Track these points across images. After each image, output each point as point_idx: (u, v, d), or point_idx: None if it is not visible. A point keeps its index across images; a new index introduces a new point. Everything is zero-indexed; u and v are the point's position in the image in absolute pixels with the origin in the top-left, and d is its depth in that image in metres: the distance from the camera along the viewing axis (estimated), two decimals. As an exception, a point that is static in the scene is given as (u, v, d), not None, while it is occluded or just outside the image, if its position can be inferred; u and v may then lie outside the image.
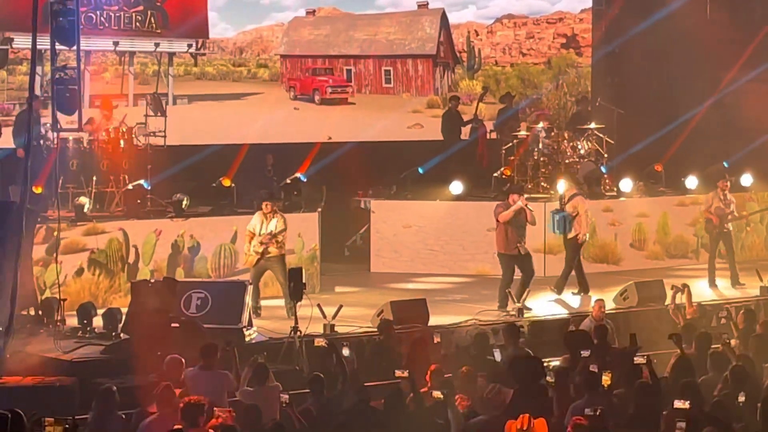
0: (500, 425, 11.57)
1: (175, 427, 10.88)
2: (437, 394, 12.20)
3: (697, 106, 25.27)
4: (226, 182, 20.73)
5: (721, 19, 26.16)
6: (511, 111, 24.76)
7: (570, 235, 19.77)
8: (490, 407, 12.23)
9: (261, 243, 18.09)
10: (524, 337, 16.85)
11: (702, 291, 19.46)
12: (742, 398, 12.07)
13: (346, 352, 14.64)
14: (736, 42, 25.62)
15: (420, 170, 23.32)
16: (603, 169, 23.54)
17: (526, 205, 19.18)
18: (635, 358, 13.65)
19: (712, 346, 14.94)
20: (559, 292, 19.88)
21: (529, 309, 18.85)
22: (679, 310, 17.52)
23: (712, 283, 21.29)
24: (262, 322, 17.51)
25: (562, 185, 20.72)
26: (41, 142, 18.73)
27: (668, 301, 18.17)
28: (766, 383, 12.96)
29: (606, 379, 12.68)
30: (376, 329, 16.67)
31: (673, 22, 25.65)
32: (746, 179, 23.80)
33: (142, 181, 19.85)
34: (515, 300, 18.63)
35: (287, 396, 12.44)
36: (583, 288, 20.08)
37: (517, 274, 19.13)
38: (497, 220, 19.08)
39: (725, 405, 12.12)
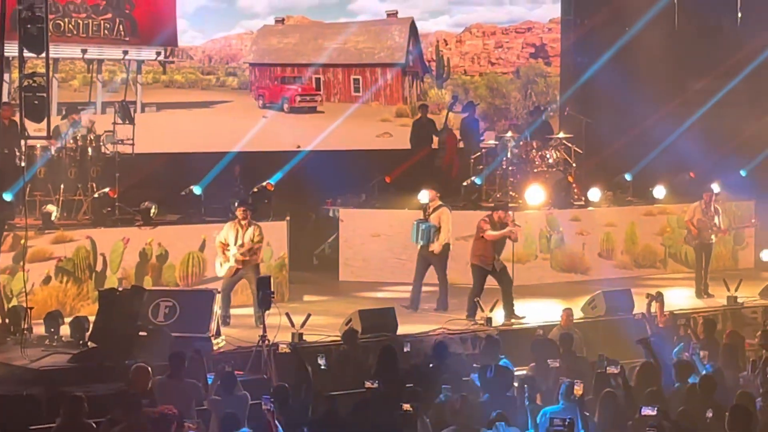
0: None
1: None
2: (407, 406, 12.21)
3: (664, 115, 25.36)
4: (197, 190, 20.74)
5: (690, 30, 26.30)
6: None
7: (432, 247, 19.41)
8: (460, 418, 12.26)
9: (241, 255, 18.06)
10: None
11: (672, 299, 19.50)
12: (710, 414, 12.11)
13: (321, 361, 14.67)
14: (703, 53, 25.73)
15: (387, 179, 23.42)
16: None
17: (513, 221, 19.23)
18: (608, 368, 13.71)
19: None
20: (445, 309, 19.60)
21: (521, 317, 18.88)
22: (650, 319, 17.58)
23: (700, 294, 21.38)
24: (230, 330, 17.48)
25: (425, 195, 20.71)
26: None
27: (639, 309, 18.23)
28: (738, 393, 13.00)
29: (578, 390, 12.73)
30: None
31: (642, 33, 25.75)
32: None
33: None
34: (484, 309, 18.65)
35: (269, 406, 12.43)
36: (414, 303, 19.69)
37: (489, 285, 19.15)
38: (480, 235, 19.11)
39: (692, 414, 12.18)
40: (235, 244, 18.09)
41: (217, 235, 18.41)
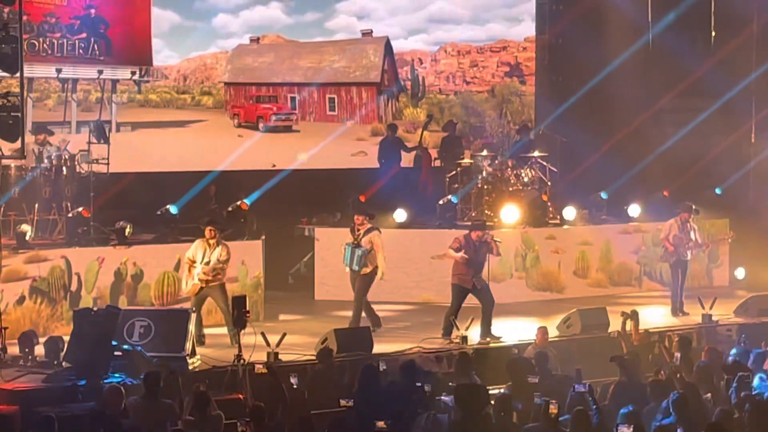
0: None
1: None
2: (381, 424, 12.20)
3: (639, 133, 25.45)
4: (173, 209, 20.72)
5: (663, 48, 26.40)
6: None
7: (365, 271, 19.19)
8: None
9: (204, 273, 18.02)
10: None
11: (648, 317, 19.53)
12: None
13: (293, 380, 14.63)
14: (676, 71, 25.82)
15: (361, 198, 23.43)
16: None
17: (493, 238, 19.22)
18: (576, 387, 13.74)
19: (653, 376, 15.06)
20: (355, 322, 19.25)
21: (498, 337, 18.85)
22: (625, 337, 17.61)
23: (675, 312, 21.42)
24: (205, 350, 17.45)
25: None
26: None
27: (614, 327, 18.25)
28: (716, 411, 13.01)
29: (553, 408, 12.73)
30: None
31: (615, 51, 25.85)
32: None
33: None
34: (460, 329, 18.64)
35: (244, 426, 12.42)
36: (375, 322, 19.44)
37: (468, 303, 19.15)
38: (444, 252, 19.17)
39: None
40: (202, 261, 18.06)
41: (187, 252, 18.40)
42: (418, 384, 14.43)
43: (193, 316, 17.36)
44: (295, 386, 14.62)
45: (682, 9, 25.96)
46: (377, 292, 21.48)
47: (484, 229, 19.35)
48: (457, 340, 18.45)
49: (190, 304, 18.06)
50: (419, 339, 18.63)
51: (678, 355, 16.59)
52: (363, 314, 19.29)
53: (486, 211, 22.87)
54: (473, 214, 22.61)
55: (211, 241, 18.10)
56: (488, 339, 18.72)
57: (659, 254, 22.44)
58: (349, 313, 19.50)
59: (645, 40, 26.32)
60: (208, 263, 18.01)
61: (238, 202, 21.76)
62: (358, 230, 19.19)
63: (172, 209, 20.68)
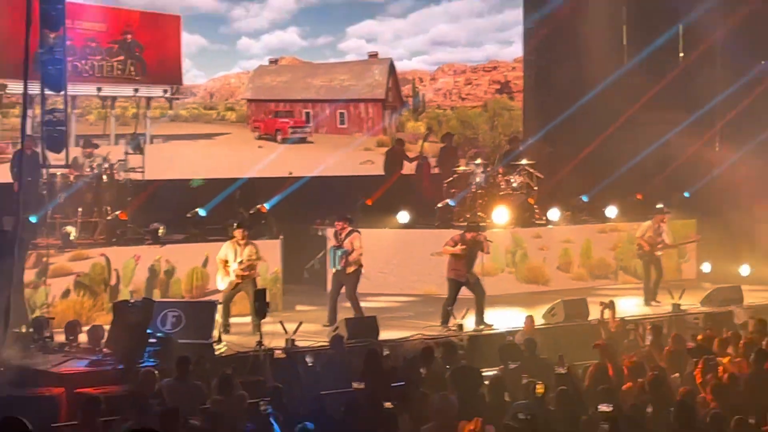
0: (451, 430, 11.59)
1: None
2: (389, 404, 12.21)
3: (616, 143, 25.42)
4: (202, 212, 20.78)
5: (636, 67, 26.40)
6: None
7: (350, 270, 18.98)
8: (440, 414, 12.25)
9: (241, 270, 18.05)
10: (463, 350, 16.90)
11: (623, 307, 19.52)
12: (649, 409, 12.14)
13: (309, 359, 14.64)
14: (647, 86, 25.80)
15: (368, 202, 23.48)
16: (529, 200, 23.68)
17: (485, 238, 19.23)
18: (557, 369, 13.77)
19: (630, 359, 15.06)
20: (330, 323, 18.72)
21: (490, 325, 18.84)
22: (603, 325, 17.63)
23: (648, 302, 21.41)
24: (230, 337, 17.46)
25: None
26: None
27: (596, 315, 18.25)
28: (680, 390, 13.03)
29: (540, 388, 12.74)
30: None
31: (593, 70, 25.85)
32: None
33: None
34: (456, 317, 18.65)
35: (266, 405, 12.42)
36: (332, 320, 18.93)
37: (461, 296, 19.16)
38: (442, 249, 19.16)
39: (641, 409, 12.22)
40: (235, 261, 18.09)
41: (219, 253, 18.42)
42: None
43: (220, 307, 17.40)
44: (310, 364, 14.60)
45: (656, 45, 26.02)
46: (383, 285, 21.59)
47: (478, 230, 19.37)
48: (454, 328, 18.46)
49: (223, 296, 18.07)
50: (421, 327, 18.65)
51: (650, 339, 16.62)
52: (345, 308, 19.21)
53: (479, 213, 22.85)
54: (468, 216, 22.59)
55: (242, 242, 18.13)
56: (482, 327, 18.73)
57: (634, 251, 22.45)
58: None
59: (620, 63, 26.30)
60: (241, 262, 18.05)
61: (259, 206, 21.79)
62: (341, 234, 19.16)
63: (201, 212, 20.73)
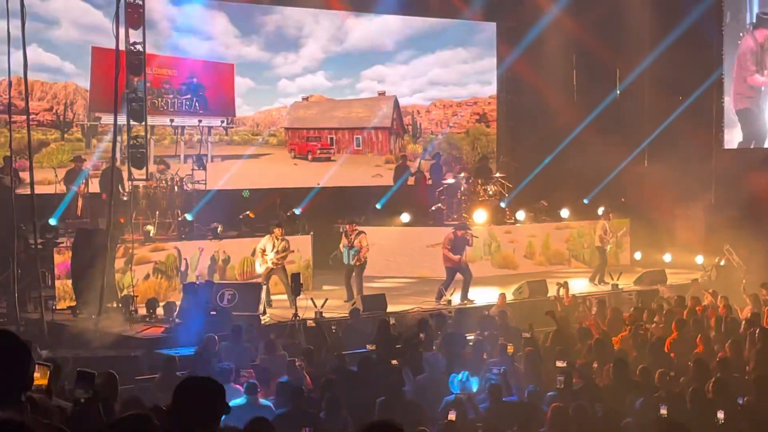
0: (443, 381, 11.64)
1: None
2: (395, 362, 12.25)
3: (566, 160, 25.43)
4: (251, 215, 20.84)
5: (585, 98, 26.42)
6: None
7: (358, 263, 18.90)
8: (432, 368, 12.31)
9: (277, 260, 18.07)
10: (451, 320, 16.94)
11: (574, 286, 19.53)
12: (595, 365, 12.17)
13: (333, 328, 14.65)
14: (590, 110, 25.78)
15: (378, 206, 23.53)
16: (502, 204, 23.67)
17: (472, 234, 19.28)
18: (523, 334, 13.80)
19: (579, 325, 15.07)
20: (348, 299, 18.62)
21: (472, 300, 18.83)
22: (559, 300, 17.64)
23: (593, 281, 21.34)
24: (273, 310, 17.51)
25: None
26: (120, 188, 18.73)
27: (553, 293, 18.27)
28: (616, 349, 13.05)
29: (510, 348, 12.77)
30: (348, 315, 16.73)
31: (549, 103, 25.89)
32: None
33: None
34: (447, 295, 18.67)
35: (300, 361, 12.46)
36: (350, 296, 18.85)
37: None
38: (443, 248, 19.20)
39: (589, 365, 12.24)
40: (272, 251, 18.11)
41: (258, 244, 18.44)
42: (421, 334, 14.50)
43: (264, 287, 17.44)
44: (334, 330, 14.61)
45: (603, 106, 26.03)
46: (388, 269, 21.60)
47: (465, 228, 19.44)
48: (445, 303, 18.48)
49: (262, 279, 18.12)
50: (419, 302, 18.68)
51: (595, 310, 16.63)
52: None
53: (464, 214, 22.90)
54: (455, 216, 22.62)
55: (279, 237, 18.17)
56: (465, 302, 18.76)
57: (590, 244, 22.55)
58: (371, 284, 19.59)
59: (570, 98, 26.31)
60: (277, 252, 18.09)
61: (294, 209, 21.84)
62: (351, 234, 19.10)
63: (251, 214, 20.79)
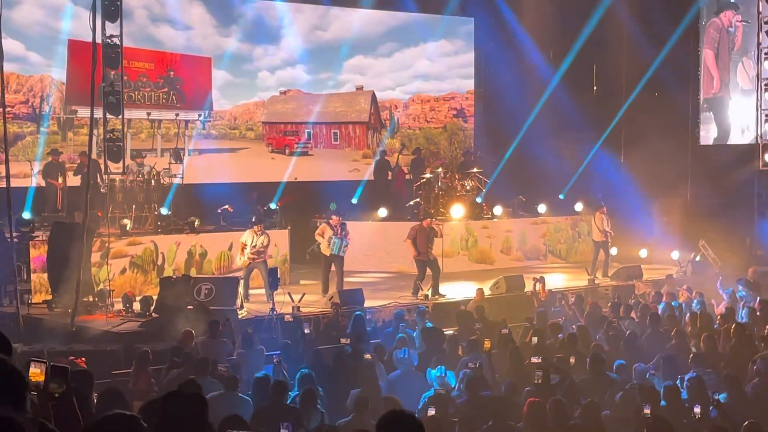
0: (419, 374, 11.64)
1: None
2: (367, 356, 12.24)
3: (543, 156, 25.50)
4: (230, 209, 20.79)
5: (562, 98, 26.48)
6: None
7: (343, 255, 18.95)
8: (404, 364, 12.31)
9: (255, 254, 18.03)
10: (429, 315, 16.94)
11: (551, 281, 19.57)
12: (572, 360, 12.19)
13: (306, 329, 14.63)
14: (570, 113, 25.85)
15: (353, 200, 23.54)
16: (478, 200, 23.69)
17: (437, 224, 19.27)
18: (502, 330, 13.80)
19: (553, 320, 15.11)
20: (324, 293, 18.58)
21: (444, 294, 18.84)
22: (535, 295, 17.69)
23: (590, 274, 21.26)
24: (250, 305, 17.47)
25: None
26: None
27: (529, 288, 18.29)
28: (592, 344, 13.09)
29: (487, 343, 12.79)
30: (328, 309, 16.68)
31: (528, 100, 25.92)
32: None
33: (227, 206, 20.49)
34: (423, 289, 18.68)
35: (278, 357, 12.44)
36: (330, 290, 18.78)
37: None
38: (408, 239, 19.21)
39: (566, 360, 12.27)
40: (251, 245, 18.08)
41: (241, 238, 18.41)
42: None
43: (242, 281, 17.39)
44: (307, 332, 14.57)
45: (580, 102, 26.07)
46: (367, 264, 21.58)
47: (430, 217, 19.45)
48: (422, 298, 18.49)
49: (242, 273, 18.06)
50: (396, 296, 18.68)
51: (573, 306, 16.68)
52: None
53: (441, 209, 22.91)
54: (432, 212, 22.59)
55: (258, 232, 18.13)
56: (437, 296, 18.71)
57: (561, 239, 22.57)
58: (348, 279, 19.56)
59: (548, 94, 26.33)
60: (255, 246, 18.04)
61: (271, 203, 21.79)
62: (336, 226, 19.02)
63: (229, 208, 20.73)
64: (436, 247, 19.74)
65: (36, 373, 5.03)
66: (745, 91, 24.90)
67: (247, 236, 18.20)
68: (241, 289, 17.06)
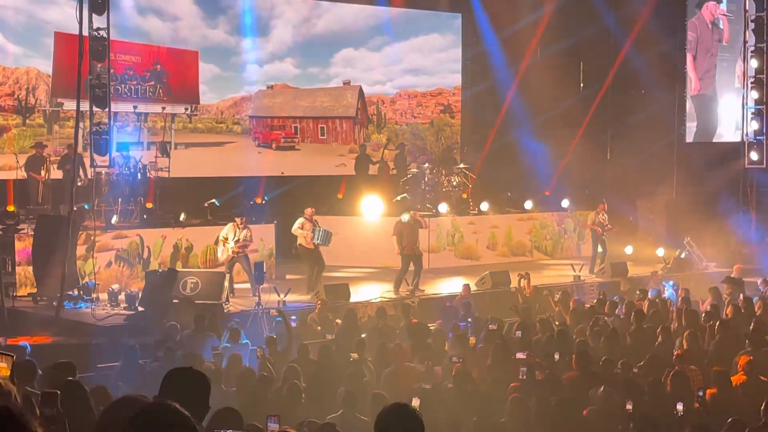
0: (403, 374, 11.63)
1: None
2: (354, 355, 12.23)
3: (530, 152, 25.54)
4: (216, 203, 20.76)
5: (547, 94, 26.52)
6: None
7: (327, 246, 18.97)
8: (395, 359, 12.30)
9: (237, 248, 17.99)
10: (415, 310, 16.94)
11: (535, 278, 19.58)
12: (557, 356, 12.20)
13: (293, 323, 14.63)
14: (553, 109, 25.88)
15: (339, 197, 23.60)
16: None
17: (420, 216, 19.27)
18: (490, 326, 13.79)
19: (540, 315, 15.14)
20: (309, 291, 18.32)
21: (422, 290, 18.83)
22: (520, 291, 17.69)
23: (591, 271, 21.28)
24: (235, 299, 17.45)
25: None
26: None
27: (515, 284, 18.29)
28: (577, 340, 13.12)
29: (472, 340, 12.79)
30: (314, 304, 16.64)
31: (515, 97, 25.94)
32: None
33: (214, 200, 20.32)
34: (408, 284, 18.69)
35: (261, 351, 12.42)
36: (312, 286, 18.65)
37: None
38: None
39: (551, 356, 12.29)
40: (233, 239, 18.03)
41: (221, 232, 18.36)
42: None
43: (227, 275, 17.37)
44: (294, 325, 14.58)
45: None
46: (353, 259, 21.56)
47: (413, 209, 19.45)
48: (407, 293, 18.49)
49: (225, 268, 18.03)
50: (383, 291, 18.69)
51: (558, 302, 16.69)
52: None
53: (427, 205, 22.93)
54: (418, 207, 22.56)
55: (240, 226, 18.07)
56: (417, 292, 18.63)
57: (547, 235, 22.60)
58: (334, 274, 19.55)
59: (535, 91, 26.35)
60: (238, 241, 17.99)
61: (257, 198, 21.75)
62: (312, 217, 18.94)
63: (216, 202, 20.67)
64: (422, 242, 19.74)
65: (2, 367, 5.01)
66: (737, 89, 24.98)
67: (228, 230, 18.12)
68: (227, 283, 17.03)
